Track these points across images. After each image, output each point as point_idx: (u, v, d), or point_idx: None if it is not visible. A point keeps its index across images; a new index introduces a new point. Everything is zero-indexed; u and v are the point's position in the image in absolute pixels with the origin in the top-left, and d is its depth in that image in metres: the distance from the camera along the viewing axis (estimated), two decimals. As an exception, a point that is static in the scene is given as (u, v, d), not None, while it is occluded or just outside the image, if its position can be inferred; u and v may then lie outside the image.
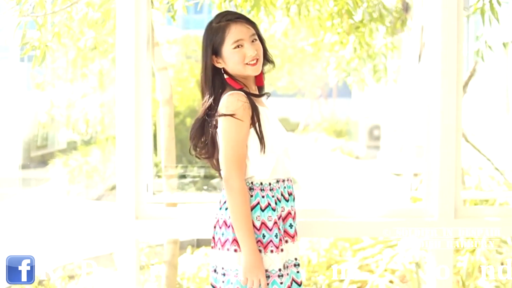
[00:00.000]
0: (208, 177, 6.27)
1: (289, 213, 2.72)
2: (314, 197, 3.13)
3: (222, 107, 2.59)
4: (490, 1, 3.93)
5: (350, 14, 4.33)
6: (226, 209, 2.62)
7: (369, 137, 10.43)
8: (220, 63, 2.68)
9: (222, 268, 2.64)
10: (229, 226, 2.61)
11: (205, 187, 5.52)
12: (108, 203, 6.72)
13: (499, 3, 3.89)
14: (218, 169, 2.74)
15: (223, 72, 2.69)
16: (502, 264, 4.64)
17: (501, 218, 3.27)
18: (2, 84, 5.32)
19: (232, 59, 2.65)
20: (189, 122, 8.22)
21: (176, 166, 6.95)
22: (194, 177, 6.38)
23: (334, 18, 4.72)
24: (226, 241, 2.62)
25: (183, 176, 6.38)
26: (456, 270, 4.53)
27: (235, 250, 2.59)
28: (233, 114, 2.55)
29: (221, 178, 2.67)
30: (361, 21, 5.56)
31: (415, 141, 3.54)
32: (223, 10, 3.86)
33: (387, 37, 5.80)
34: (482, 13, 4.02)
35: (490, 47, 4.44)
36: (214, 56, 2.68)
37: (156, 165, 4.43)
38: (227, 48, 2.64)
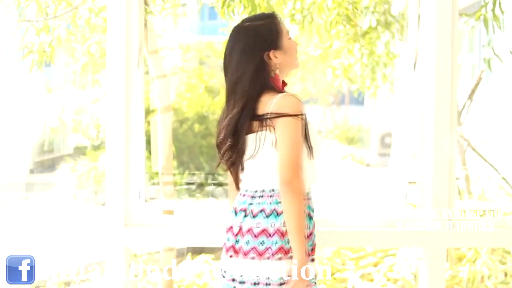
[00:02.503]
0: (219, 184, 6.25)
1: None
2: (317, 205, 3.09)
3: (285, 107, 2.47)
4: (493, 9, 3.89)
5: (349, 21, 4.30)
6: (267, 216, 2.52)
7: (380, 144, 10.38)
8: (277, 57, 2.57)
9: (257, 277, 2.50)
10: (272, 235, 2.52)
11: (197, 195, 5.51)
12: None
13: (502, 11, 3.85)
14: (237, 175, 2.65)
15: (268, 70, 2.58)
16: (506, 274, 4.60)
17: (495, 229, 3.21)
18: (14, 89, 5.35)
19: (290, 50, 2.59)
20: (198, 128, 8.23)
21: (183, 173, 6.98)
22: (201, 184, 6.39)
23: (338, 25, 4.69)
24: (267, 249, 2.52)
25: (190, 183, 6.39)
26: (458, 279, 4.49)
27: (280, 259, 2.50)
28: (301, 115, 2.47)
29: (237, 186, 2.63)
30: (369, 28, 5.56)
31: (411, 150, 3.50)
32: (225, 16, 3.85)
33: (391, 45, 5.79)
34: (485, 21, 3.99)
35: (498, 55, 4.39)
36: (272, 50, 2.57)
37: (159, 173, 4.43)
38: (285, 39, 2.58)
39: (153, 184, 4.45)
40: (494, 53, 4.35)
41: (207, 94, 8.61)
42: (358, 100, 10.10)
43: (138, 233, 3.19)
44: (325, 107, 12.13)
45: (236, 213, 2.60)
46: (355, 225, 3.30)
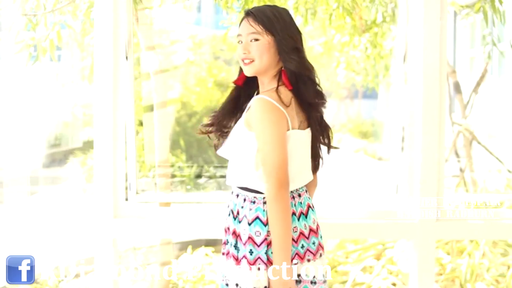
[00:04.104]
0: (224, 176, 6.22)
1: None
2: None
3: None
4: (492, 0, 3.85)
5: (349, 14, 4.28)
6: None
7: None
8: None
9: None
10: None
11: (188, 187, 5.48)
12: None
13: (500, 2, 3.81)
14: None
15: None
16: (508, 268, 4.57)
17: (484, 221, 3.19)
18: (28, 84, 5.38)
19: None
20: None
21: (192, 166, 6.98)
22: (209, 177, 6.39)
23: (339, 18, 4.68)
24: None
25: (199, 176, 6.40)
26: (458, 272, 4.47)
27: None
28: None
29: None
30: (374, 21, 5.53)
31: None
32: (227, 8, 3.85)
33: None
34: (485, 13, 3.95)
35: (497, 47, 4.36)
36: None
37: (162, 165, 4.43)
38: None
39: (153, 177, 4.45)
40: (494, 45, 4.32)
41: (216, 88, 8.55)
42: (372, 94, 10.04)
43: (127, 225, 3.21)
44: (339, 101, 12.08)
45: None
46: (344, 217, 3.30)
